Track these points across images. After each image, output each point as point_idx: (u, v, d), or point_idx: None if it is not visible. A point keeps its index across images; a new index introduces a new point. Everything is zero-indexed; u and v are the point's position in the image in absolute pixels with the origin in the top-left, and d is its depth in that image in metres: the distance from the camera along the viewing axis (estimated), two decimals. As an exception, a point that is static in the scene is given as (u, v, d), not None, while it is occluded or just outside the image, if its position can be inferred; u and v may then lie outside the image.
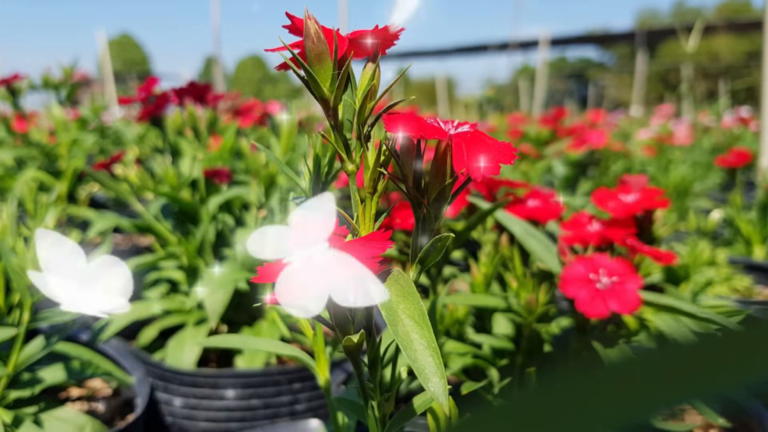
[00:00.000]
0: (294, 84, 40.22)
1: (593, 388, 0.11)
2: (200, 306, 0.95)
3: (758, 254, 1.15)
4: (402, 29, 0.40)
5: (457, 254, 0.86)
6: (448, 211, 0.45)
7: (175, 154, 1.01)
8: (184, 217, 0.98)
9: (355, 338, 0.41)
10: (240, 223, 1.08)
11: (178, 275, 1.00)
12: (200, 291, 0.88)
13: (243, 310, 0.98)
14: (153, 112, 0.95)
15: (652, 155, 1.81)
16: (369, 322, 0.45)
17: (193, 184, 0.99)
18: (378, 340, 0.47)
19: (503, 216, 0.69)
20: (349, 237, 0.43)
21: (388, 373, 0.51)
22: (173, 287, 1.05)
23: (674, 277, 0.67)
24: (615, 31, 17.84)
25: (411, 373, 0.53)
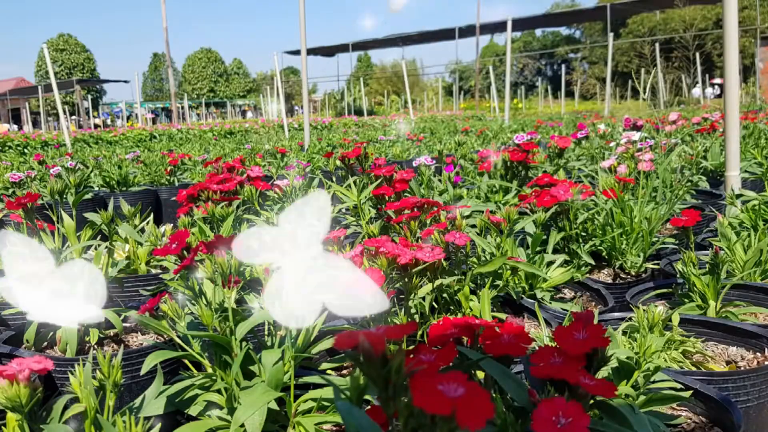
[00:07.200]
0: (250, 78, 38.64)
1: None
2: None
3: (711, 312, 1.26)
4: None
5: None
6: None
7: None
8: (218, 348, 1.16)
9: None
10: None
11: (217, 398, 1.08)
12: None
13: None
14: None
15: (614, 197, 1.70)
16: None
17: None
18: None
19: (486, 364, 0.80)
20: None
21: None
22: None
23: (626, 368, 0.79)
24: (583, 7, 18.74)
25: None
